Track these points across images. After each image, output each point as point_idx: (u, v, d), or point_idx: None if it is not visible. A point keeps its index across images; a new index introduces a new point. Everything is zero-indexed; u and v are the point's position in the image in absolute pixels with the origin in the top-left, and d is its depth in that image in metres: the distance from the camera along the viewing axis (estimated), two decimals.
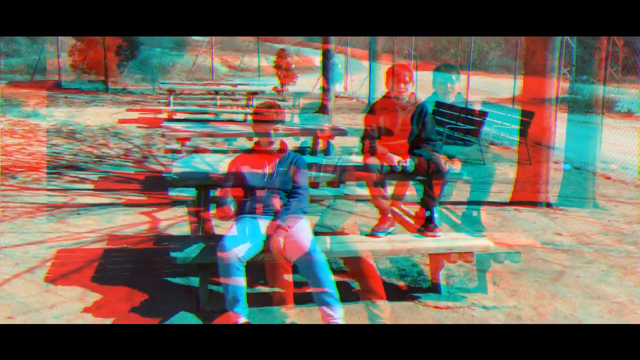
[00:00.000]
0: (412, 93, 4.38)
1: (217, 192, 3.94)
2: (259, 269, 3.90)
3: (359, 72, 20.49)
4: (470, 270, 4.78)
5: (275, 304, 3.91)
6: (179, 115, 11.50)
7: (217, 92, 14.26)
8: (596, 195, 7.32)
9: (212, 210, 3.87)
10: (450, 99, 4.44)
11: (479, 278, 4.54)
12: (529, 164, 6.87)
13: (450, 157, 4.50)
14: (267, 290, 4.26)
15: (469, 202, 6.87)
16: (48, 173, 7.62)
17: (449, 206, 5.04)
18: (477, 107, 10.48)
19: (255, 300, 3.97)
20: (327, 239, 4.12)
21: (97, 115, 13.40)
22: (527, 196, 6.90)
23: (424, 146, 4.34)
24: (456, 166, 4.50)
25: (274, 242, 3.64)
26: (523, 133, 7.72)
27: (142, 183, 7.41)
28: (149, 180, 7.60)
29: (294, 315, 3.85)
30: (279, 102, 4.16)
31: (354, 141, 9.94)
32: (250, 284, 3.91)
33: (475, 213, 4.72)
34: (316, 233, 3.94)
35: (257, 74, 24.63)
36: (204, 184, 4.34)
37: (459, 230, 4.59)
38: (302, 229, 3.78)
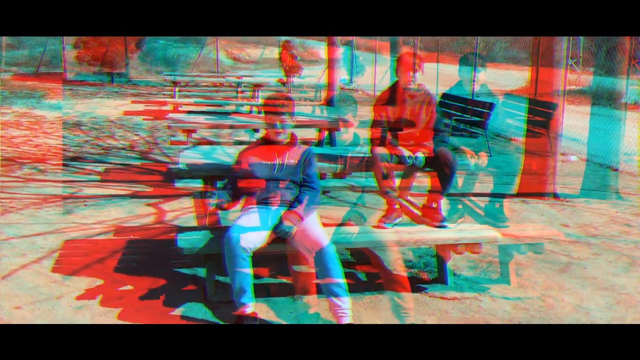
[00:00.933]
0: (421, 83, 4.37)
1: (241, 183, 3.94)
2: (267, 259, 3.90)
3: (365, 64, 20.40)
4: (477, 261, 4.77)
5: (297, 293, 3.93)
6: (201, 107, 11.40)
7: (238, 85, 14.09)
8: (602, 187, 7.29)
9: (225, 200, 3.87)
10: (476, 88, 4.48)
11: (489, 269, 4.52)
12: (551, 156, 6.83)
13: (477, 150, 4.53)
14: (275, 280, 4.27)
15: (476, 194, 6.85)
16: (54, 165, 7.64)
17: (472, 198, 5.03)
18: (500, 99, 10.38)
19: (263, 290, 3.97)
20: (344, 229, 4.14)
21: (102, 107, 13.40)
22: (533, 187, 6.87)
23: (435, 136, 4.34)
24: (482, 160, 4.51)
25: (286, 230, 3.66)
26: (545, 125, 7.64)
27: (148, 175, 7.42)
28: (155, 171, 7.60)
29: (301, 305, 3.86)
30: (289, 94, 4.17)
31: (359, 132, 9.93)
32: (259, 274, 3.92)
33: (497, 205, 4.75)
34: (324, 224, 3.94)
35: (262, 67, 24.59)
36: (210, 175, 4.34)
37: (481, 222, 4.59)
38: (312, 221, 3.79)
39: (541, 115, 8.08)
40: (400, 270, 4.47)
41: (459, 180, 4.85)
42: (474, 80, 4.24)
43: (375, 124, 4.37)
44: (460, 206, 4.31)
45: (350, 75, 19.95)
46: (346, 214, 5.69)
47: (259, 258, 3.69)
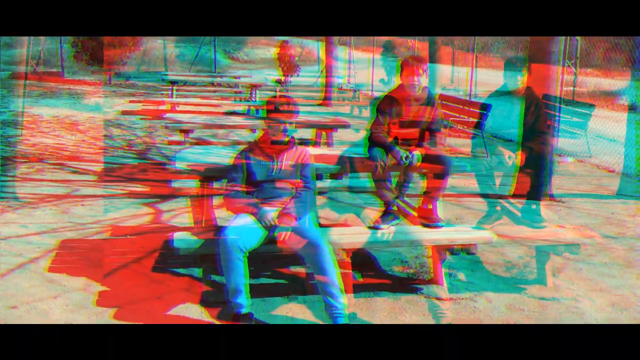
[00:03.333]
0: (425, 87, 4.39)
1: (226, 185, 3.95)
2: (262, 259, 3.91)
3: (363, 64, 20.39)
4: (473, 262, 4.79)
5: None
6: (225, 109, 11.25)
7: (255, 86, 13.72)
8: (598, 189, 7.31)
9: (219, 202, 3.89)
10: (520, 91, 4.58)
11: (484, 271, 4.53)
12: (590, 157, 6.85)
13: (513, 152, 4.64)
14: (271, 280, 4.28)
15: (472, 194, 6.85)
16: (51, 164, 7.63)
17: (510, 199, 5.09)
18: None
19: (259, 290, 3.98)
20: (340, 229, 4.14)
21: (99, 106, 13.39)
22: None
23: (432, 138, 4.37)
24: (518, 159, 4.61)
25: (281, 232, 3.67)
26: (583, 126, 7.64)
27: (145, 174, 7.42)
28: (152, 171, 7.61)
29: (297, 306, 3.87)
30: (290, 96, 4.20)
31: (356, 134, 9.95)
32: (255, 274, 3.93)
33: (534, 206, 4.87)
34: (321, 225, 3.95)
35: (258, 66, 24.57)
36: (206, 175, 4.35)
37: (519, 223, 4.66)
38: (308, 221, 3.81)
39: (579, 117, 8.08)
40: (396, 271, 4.48)
41: (497, 180, 4.94)
42: (519, 83, 4.37)
43: (375, 125, 4.38)
44: (498, 207, 4.41)
45: (388, 76, 19.62)
46: (344, 214, 5.70)
47: (254, 258, 3.69)
